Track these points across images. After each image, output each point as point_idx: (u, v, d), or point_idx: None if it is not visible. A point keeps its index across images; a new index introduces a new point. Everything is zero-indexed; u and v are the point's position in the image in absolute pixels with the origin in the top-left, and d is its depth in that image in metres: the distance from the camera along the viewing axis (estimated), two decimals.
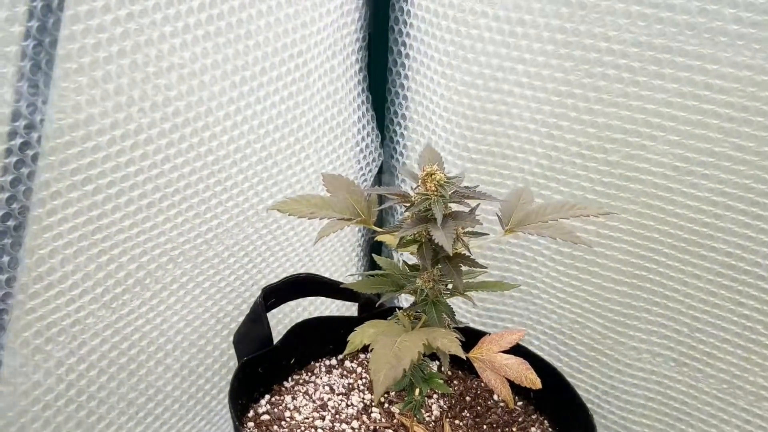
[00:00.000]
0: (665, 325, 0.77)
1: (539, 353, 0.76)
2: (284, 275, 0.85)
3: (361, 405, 0.68)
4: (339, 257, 0.94)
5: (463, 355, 0.52)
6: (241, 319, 0.72)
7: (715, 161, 0.67)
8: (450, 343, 0.52)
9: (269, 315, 0.69)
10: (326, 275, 0.75)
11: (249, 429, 0.65)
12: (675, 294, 0.75)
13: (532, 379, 0.56)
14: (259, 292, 0.71)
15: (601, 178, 0.74)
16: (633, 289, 0.78)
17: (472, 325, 0.88)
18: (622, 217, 0.75)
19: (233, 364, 0.83)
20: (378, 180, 0.96)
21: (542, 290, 0.85)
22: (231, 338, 0.81)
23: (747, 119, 0.64)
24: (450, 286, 0.56)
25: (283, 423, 0.65)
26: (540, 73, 0.73)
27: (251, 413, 0.67)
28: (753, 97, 0.63)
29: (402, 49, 0.86)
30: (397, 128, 0.92)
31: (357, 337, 0.54)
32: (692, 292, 0.74)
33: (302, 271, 0.86)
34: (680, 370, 0.78)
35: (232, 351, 0.75)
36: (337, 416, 0.67)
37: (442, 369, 0.71)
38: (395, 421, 0.66)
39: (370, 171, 0.93)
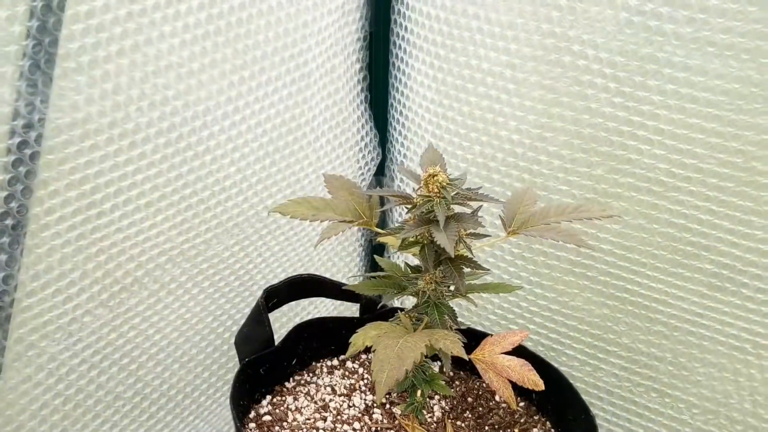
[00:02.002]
0: (646, 352, 0.75)
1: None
2: (284, 275, 0.84)
3: (362, 406, 0.68)
4: (340, 258, 0.94)
5: (465, 357, 0.52)
6: (240, 319, 0.72)
7: (701, 177, 0.65)
8: (452, 345, 0.51)
9: (270, 316, 0.69)
10: (327, 276, 0.74)
11: (250, 430, 0.64)
12: (659, 315, 0.73)
13: (534, 381, 0.56)
14: (259, 293, 0.70)
15: (584, 194, 0.72)
16: (615, 312, 0.76)
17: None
18: (604, 237, 0.73)
19: (232, 364, 0.83)
20: (379, 181, 0.96)
21: (518, 315, 0.83)
22: (230, 338, 0.81)
23: (734, 134, 0.61)
24: (452, 287, 0.56)
25: (284, 424, 0.65)
26: (528, 80, 0.71)
27: (252, 414, 0.67)
28: (740, 110, 0.60)
29: (400, 50, 0.85)
30: (397, 129, 0.91)
31: (359, 339, 0.54)
32: (677, 313, 0.72)
33: (302, 271, 0.86)
34: (662, 401, 0.76)
35: (231, 351, 0.74)
36: (339, 417, 0.66)
37: (444, 370, 0.71)
38: (397, 422, 0.66)
39: (369, 170, 0.93)
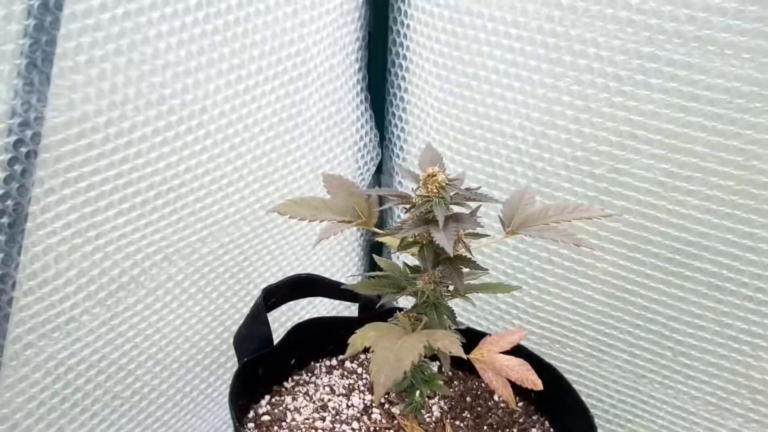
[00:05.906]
0: (648, 348, 0.76)
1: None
2: (282, 275, 0.84)
3: (361, 406, 0.68)
4: (339, 257, 0.94)
5: (464, 356, 0.52)
6: (239, 318, 0.71)
7: (701, 176, 0.65)
8: (451, 345, 0.51)
9: (269, 315, 0.68)
10: (326, 275, 0.74)
11: (249, 430, 0.64)
12: (658, 317, 0.74)
13: (533, 380, 0.56)
14: (256, 292, 0.70)
15: (586, 192, 0.73)
16: (615, 311, 0.76)
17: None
18: (605, 236, 0.74)
19: (231, 363, 0.82)
20: (377, 180, 0.96)
21: (522, 310, 0.84)
22: (228, 337, 0.80)
23: (735, 132, 0.62)
24: (451, 287, 0.56)
25: (283, 424, 0.65)
26: (531, 78, 0.72)
27: (251, 414, 0.66)
28: (741, 109, 0.61)
29: (400, 49, 0.85)
30: (396, 128, 0.91)
31: (357, 340, 0.54)
32: (676, 314, 0.73)
33: (301, 270, 0.86)
34: (666, 392, 0.77)
35: (230, 350, 0.74)
36: (338, 417, 0.66)
37: (443, 370, 0.71)
38: (396, 422, 0.66)
39: (368, 170, 0.93)
